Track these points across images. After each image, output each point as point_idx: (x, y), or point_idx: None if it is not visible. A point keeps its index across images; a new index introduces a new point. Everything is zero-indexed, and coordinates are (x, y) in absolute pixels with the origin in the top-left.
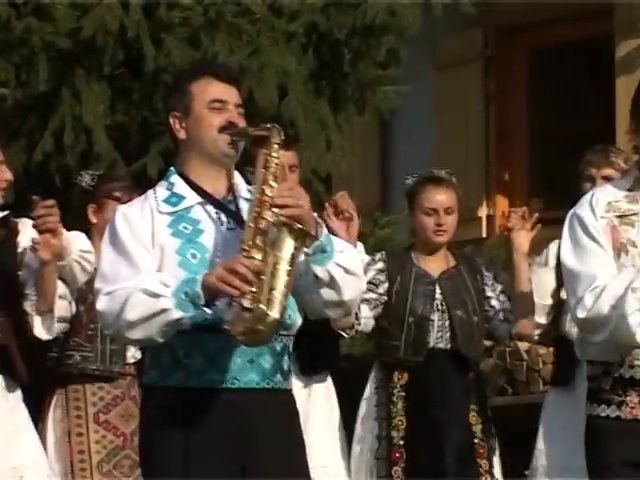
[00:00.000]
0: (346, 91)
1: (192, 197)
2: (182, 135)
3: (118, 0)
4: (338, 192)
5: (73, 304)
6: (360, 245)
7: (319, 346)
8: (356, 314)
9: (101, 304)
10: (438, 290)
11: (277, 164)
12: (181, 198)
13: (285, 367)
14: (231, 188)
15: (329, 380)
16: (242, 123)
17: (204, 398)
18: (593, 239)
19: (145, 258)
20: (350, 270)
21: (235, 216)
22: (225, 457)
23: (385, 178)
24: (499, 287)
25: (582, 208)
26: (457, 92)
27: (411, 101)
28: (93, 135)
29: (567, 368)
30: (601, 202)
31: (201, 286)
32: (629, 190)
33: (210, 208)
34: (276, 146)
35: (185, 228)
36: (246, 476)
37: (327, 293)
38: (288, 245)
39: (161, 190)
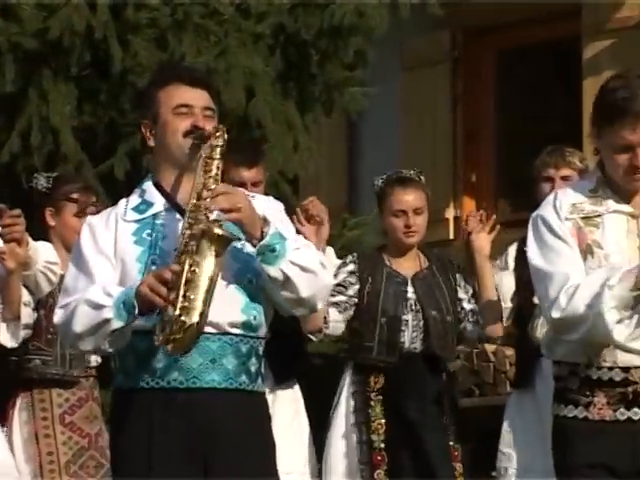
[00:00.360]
0: (313, 92)
1: (160, 203)
2: (151, 142)
3: (85, 1)
4: (306, 194)
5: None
6: (330, 249)
7: (287, 353)
8: (325, 318)
9: (56, 317)
10: (411, 290)
11: (218, 167)
12: (150, 205)
13: (252, 369)
14: None
15: (296, 386)
16: (210, 126)
17: (166, 398)
18: (559, 237)
19: (103, 269)
20: (306, 267)
21: None
22: (186, 457)
23: (353, 179)
24: (470, 289)
25: (546, 210)
26: (424, 93)
27: (378, 102)
28: (60, 136)
29: (528, 370)
30: (565, 204)
31: (135, 295)
32: (592, 191)
33: (177, 214)
34: (218, 149)
35: (149, 235)
36: (208, 476)
37: (284, 292)
38: (209, 250)
39: (134, 197)
